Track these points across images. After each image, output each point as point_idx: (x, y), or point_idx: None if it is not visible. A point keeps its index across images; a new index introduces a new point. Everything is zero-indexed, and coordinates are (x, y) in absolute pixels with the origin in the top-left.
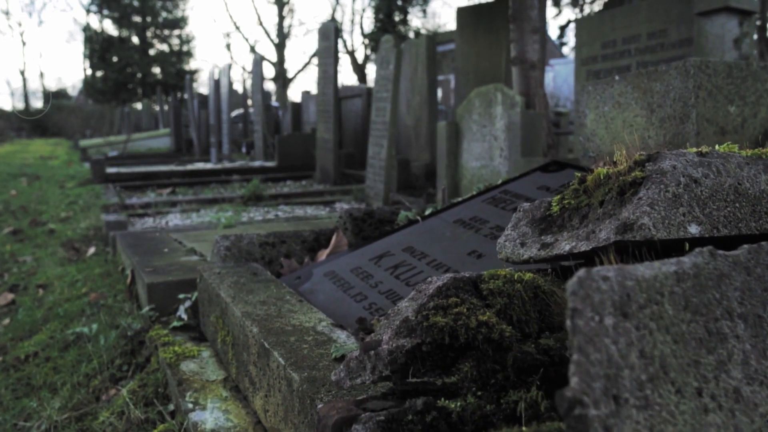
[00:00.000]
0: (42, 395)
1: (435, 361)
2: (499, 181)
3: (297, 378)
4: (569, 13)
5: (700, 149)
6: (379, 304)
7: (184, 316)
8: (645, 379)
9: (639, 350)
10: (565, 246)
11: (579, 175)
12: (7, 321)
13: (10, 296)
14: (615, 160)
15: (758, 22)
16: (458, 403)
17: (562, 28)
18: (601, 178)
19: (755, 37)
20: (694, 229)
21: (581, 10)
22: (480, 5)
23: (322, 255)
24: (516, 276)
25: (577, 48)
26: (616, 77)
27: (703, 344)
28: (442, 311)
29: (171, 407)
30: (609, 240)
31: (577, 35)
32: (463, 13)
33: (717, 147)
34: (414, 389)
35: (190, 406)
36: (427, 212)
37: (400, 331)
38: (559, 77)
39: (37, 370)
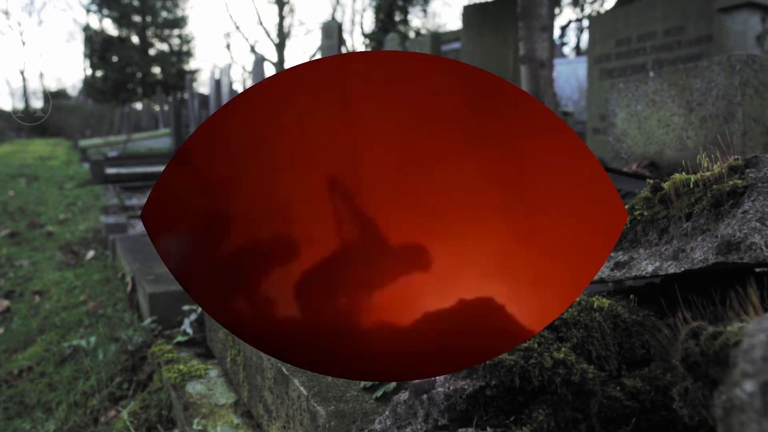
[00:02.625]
0: (36, 416)
1: (500, 406)
2: None
3: (323, 412)
4: (570, 13)
5: None
6: None
7: (189, 331)
8: None
9: None
10: (646, 266)
11: (651, 181)
12: (1, 330)
13: (5, 303)
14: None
15: None
16: None
17: (563, 28)
18: (690, 185)
19: None
20: None
21: (582, 10)
22: (486, 3)
23: None
24: (595, 304)
25: (590, 46)
26: (651, 74)
27: None
28: None
29: None
30: (707, 261)
31: (590, 33)
32: (469, 11)
33: None
34: None
35: None
36: None
37: (458, 371)
38: (561, 77)
39: (31, 387)
